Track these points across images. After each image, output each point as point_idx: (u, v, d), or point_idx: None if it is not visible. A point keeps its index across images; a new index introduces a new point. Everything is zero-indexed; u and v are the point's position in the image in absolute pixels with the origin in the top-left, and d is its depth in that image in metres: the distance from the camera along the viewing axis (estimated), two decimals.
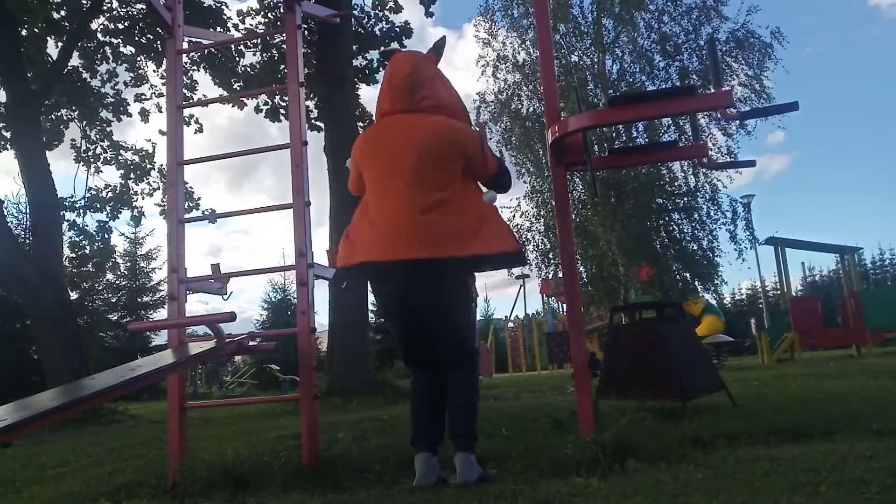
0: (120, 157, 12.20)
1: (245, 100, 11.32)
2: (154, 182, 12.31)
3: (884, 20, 63.67)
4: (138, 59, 11.50)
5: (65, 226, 11.40)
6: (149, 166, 12.25)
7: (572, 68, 13.23)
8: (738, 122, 12.19)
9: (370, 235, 2.43)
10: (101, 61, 11.35)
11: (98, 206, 11.93)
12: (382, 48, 9.87)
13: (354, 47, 10.04)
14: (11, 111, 9.59)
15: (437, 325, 2.47)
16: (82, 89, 11.24)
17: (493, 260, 2.41)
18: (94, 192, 11.99)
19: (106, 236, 12.14)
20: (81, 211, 11.62)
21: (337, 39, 8.77)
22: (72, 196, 11.69)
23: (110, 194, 12.10)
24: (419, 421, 2.49)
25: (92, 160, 12.07)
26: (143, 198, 12.41)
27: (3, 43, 9.09)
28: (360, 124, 9.75)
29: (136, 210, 12.32)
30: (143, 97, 12.15)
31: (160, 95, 12.00)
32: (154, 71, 11.75)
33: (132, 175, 12.17)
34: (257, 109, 11.12)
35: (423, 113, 2.50)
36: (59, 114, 11.54)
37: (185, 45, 3.56)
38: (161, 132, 12.10)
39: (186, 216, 3.25)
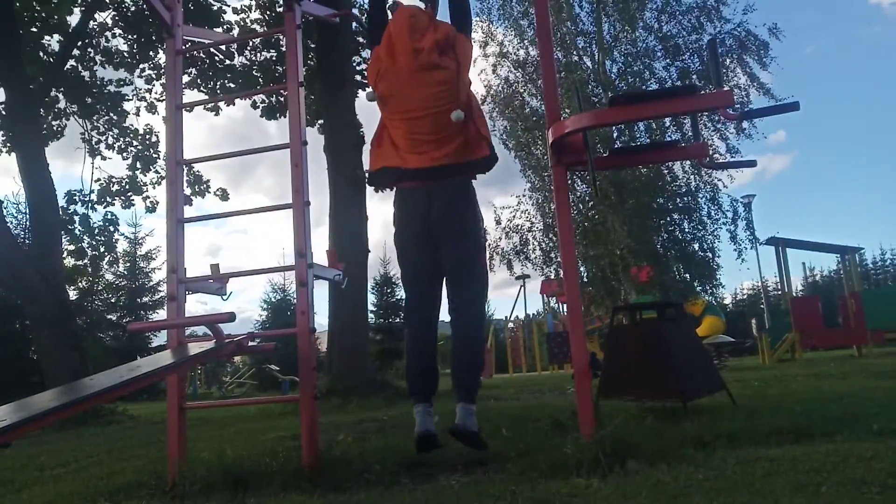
0: (133, 144, 12.20)
1: (243, 98, 11.36)
2: (162, 170, 12.32)
3: (885, 19, 63.82)
4: (129, 59, 11.49)
5: (76, 220, 11.43)
6: (155, 154, 12.24)
7: (573, 67, 13.23)
8: (735, 124, 12.21)
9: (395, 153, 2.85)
10: (97, 61, 11.34)
11: (108, 198, 11.93)
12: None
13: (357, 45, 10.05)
14: (11, 111, 9.60)
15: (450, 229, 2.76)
16: (81, 86, 11.22)
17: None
18: (101, 185, 12.00)
19: (112, 228, 12.14)
20: (90, 205, 11.62)
21: (337, 39, 8.76)
22: (80, 189, 11.71)
23: (116, 187, 12.10)
24: (416, 374, 2.70)
25: (104, 150, 12.08)
26: (154, 187, 12.39)
27: (2, 42, 9.08)
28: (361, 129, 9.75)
29: (148, 200, 12.33)
30: (126, 97, 12.15)
31: (141, 99, 12.08)
32: (140, 76, 11.80)
33: (139, 165, 12.17)
34: (254, 105, 11.13)
35: (427, 71, 2.70)
36: (59, 107, 11.53)
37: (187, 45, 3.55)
38: (146, 129, 12.16)
39: (187, 216, 3.24)
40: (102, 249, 12.31)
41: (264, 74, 10.80)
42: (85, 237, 11.78)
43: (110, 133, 12.14)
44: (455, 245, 2.76)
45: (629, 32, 13.18)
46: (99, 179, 12.01)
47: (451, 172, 2.77)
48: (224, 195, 12.37)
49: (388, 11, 2.92)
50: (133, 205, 12.38)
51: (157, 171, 12.30)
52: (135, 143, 12.25)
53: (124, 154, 12.20)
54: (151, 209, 12.56)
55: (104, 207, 12.04)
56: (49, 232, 9.52)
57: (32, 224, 10.24)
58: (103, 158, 12.12)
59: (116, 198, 12.10)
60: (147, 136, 12.32)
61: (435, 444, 2.57)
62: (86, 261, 12.53)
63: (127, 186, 12.14)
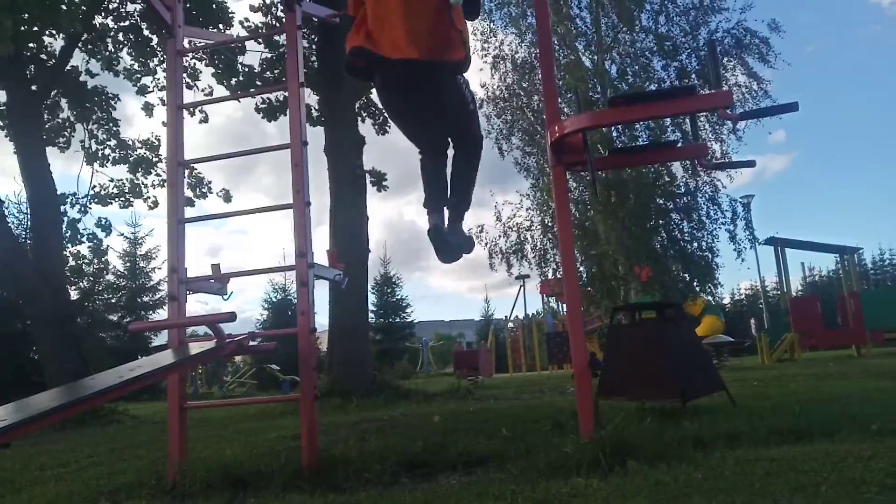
0: (129, 156, 12.17)
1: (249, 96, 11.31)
2: (163, 173, 12.29)
3: (885, 18, 63.62)
4: (140, 57, 11.47)
5: (64, 223, 11.38)
6: (155, 158, 12.21)
7: (572, 67, 13.23)
8: (732, 125, 12.24)
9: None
10: (101, 58, 11.33)
11: (108, 200, 11.90)
12: None
13: None
14: (12, 111, 9.59)
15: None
16: (81, 89, 11.20)
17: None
18: (97, 189, 11.97)
19: (103, 235, 12.09)
20: (83, 207, 11.58)
21: (337, 39, 8.77)
22: (75, 193, 11.67)
23: (115, 189, 12.09)
24: (430, 191, 3.04)
25: (100, 160, 12.05)
26: (154, 188, 12.37)
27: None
28: (361, 123, 9.76)
29: (150, 201, 12.30)
30: (147, 90, 12.08)
31: (163, 88, 11.97)
32: (158, 65, 11.72)
33: (140, 169, 12.15)
34: (257, 109, 11.12)
35: None
36: (64, 116, 11.52)
37: (186, 45, 3.55)
38: (164, 123, 12.09)
39: (188, 216, 3.25)
40: (92, 256, 12.27)
41: (268, 72, 10.80)
42: (69, 244, 11.73)
43: (108, 144, 12.11)
44: (449, 125, 3.00)
45: (627, 32, 13.18)
46: (95, 186, 12.01)
47: (425, 71, 2.75)
48: (227, 196, 12.38)
49: None
50: (131, 204, 12.37)
51: (158, 175, 12.29)
52: (132, 153, 12.20)
53: (126, 164, 12.16)
54: (153, 206, 12.52)
55: (102, 206, 12.04)
56: (50, 232, 9.51)
57: (33, 224, 10.23)
58: (102, 165, 12.10)
59: (115, 199, 12.07)
60: (150, 140, 12.29)
61: (443, 234, 2.97)
62: (65, 270, 12.48)
63: (126, 189, 12.12)
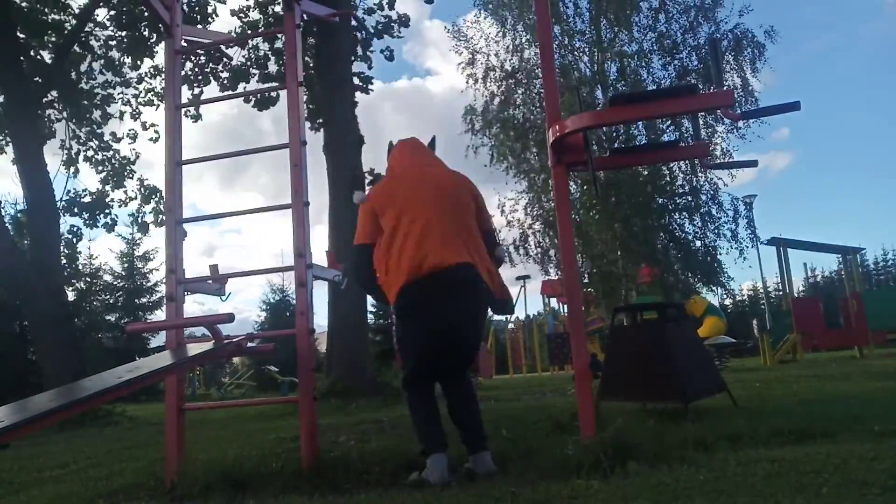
0: (112, 158, 12.15)
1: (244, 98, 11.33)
2: (132, 192, 12.28)
3: (890, 15, 63.52)
4: (130, 57, 11.50)
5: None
6: (128, 171, 12.19)
7: (570, 68, 13.25)
8: (729, 125, 12.26)
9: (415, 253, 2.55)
10: (96, 59, 11.36)
11: (76, 210, 11.87)
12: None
13: (357, 43, 10.08)
14: (9, 113, 9.59)
15: (471, 329, 2.68)
16: (75, 89, 11.21)
17: (497, 304, 2.73)
18: (71, 196, 11.93)
19: (74, 241, 12.09)
20: (60, 213, 11.54)
21: (336, 39, 8.76)
22: (73, 190, 11.70)
23: (88, 199, 12.04)
24: (433, 429, 2.59)
25: (83, 161, 12.03)
26: (120, 206, 12.36)
27: (1, 46, 9.08)
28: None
29: (109, 218, 12.15)
30: (138, 97, 12.11)
31: (159, 95, 12.01)
32: (149, 69, 11.79)
33: (111, 181, 12.11)
34: (246, 99, 11.15)
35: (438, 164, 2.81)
36: (47, 113, 11.51)
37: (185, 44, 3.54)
38: (146, 126, 12.14)
39: (186, 216, 3.23)
40: (63, 262, 12.24)
41: (260, 70, 10.80)
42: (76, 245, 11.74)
43: (90, 145, 12.08)
44: (468, 349, 2.72)
45: (626, 32, 13.21)
46: (70, 191, 12.02)
47: (471, 271, 2.56)
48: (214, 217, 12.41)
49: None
50: (97, 225, 12.20)
51: (125, 192, 12.28)
52: (114, 158, 12.18)
53: (99, 168, 12.12)
54: (110, 227, 12.41)
55: (69, 217, 11.95)
56: (47, 233, 9.50)
57: (30, 225, 10.23)
58: (76, 174, 12.08)
59: (84, 212, 11.98)
60: (126, 156, 12.27)
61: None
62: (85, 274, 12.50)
63: (95, 202, 12.05)
